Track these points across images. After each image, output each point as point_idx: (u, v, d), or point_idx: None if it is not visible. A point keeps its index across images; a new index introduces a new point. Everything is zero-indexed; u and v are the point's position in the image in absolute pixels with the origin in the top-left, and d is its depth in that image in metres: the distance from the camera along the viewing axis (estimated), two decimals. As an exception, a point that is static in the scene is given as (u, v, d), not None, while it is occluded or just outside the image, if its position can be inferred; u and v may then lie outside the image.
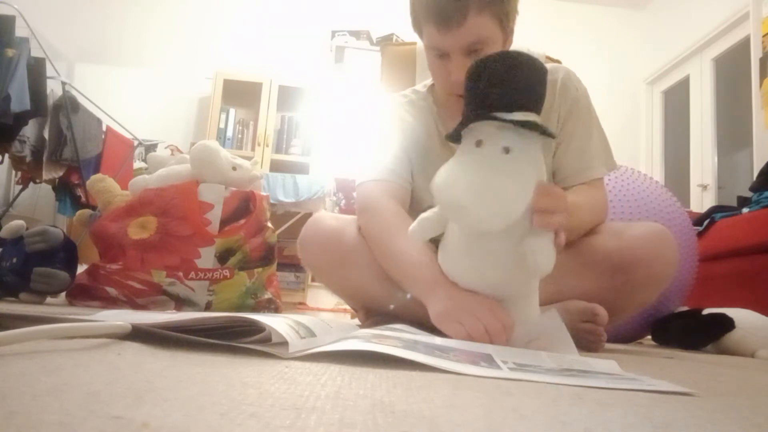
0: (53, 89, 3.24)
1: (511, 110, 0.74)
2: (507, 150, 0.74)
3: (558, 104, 1.17)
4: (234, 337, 0.53)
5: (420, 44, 1.71)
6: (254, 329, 0.54)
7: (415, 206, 1.18)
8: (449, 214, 0.77)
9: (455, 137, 0.80)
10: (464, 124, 0.77)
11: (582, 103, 1.19)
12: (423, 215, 0.86)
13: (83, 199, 3.27)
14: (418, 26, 1.07)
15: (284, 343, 0.52)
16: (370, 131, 1.24)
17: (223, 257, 1.55)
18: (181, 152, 3.52)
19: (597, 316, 1.00)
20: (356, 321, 1.36)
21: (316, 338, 0.59)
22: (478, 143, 0.75)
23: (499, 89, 0.75)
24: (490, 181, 0.72)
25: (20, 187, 3.42)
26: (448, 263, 0.86)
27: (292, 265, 3.60)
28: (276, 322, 0.54)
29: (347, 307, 1.49)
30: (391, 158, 1.16)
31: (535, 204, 0.75)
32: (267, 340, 0.53)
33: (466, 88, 0.80)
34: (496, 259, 0.80)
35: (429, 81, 1.25)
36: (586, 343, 1.00)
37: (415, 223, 0.86)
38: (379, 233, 1.05)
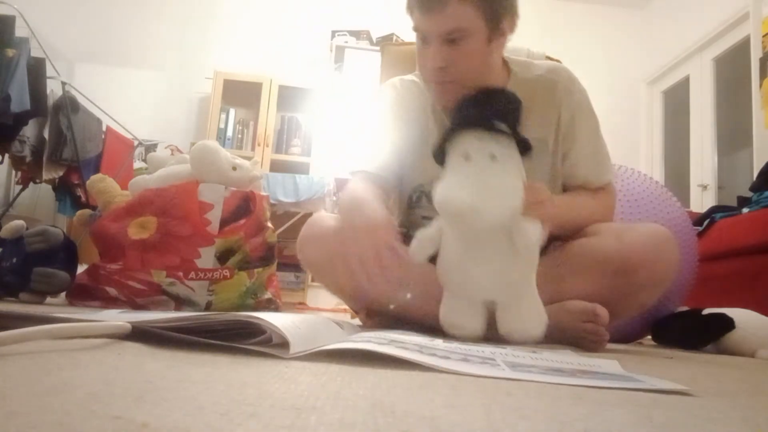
0: (53, 89, 3.24)
1: (489, 125, 0.87)
2: (493, 157, 0.85)
3: (558, 105, 1.19)
4: (234, 339, 0.53)
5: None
6: (255, 331, 0.54)
7: (405, 185, 1.26)
8: (457, 220, 0.86)
9: (438, 156, 0.91)
10: (448, 136, 0.89)
11: (586, 106, 1.23)
12: (421, 232, 0.93)
13: (83, 199, 3.27)
14: (409, 9, 1.10)
15: (284, 344, 0.52)
16: (370, 117, 1.32)
17: (223, 257, 1.55)
18: (181, 152, 3.52)
19: (598, 316, 1.00)
20: (357, 321, 1.36)
21: (318, 338, 0.59)
22: (467, 156, 0.86)
23: (479, 109, 0.88)
24: (490, 183, 0.83)
25: (20, 187, 3.42)
26: (446, 275, 0.92)
27: (292, 265, 3.59)
28: (277, 319, 0.53)
29: (347, 307, 1.49)
30: (378, 150, 1.24)
31: (524, 202, 0.86)
32: (267, 342, 0.53)
33: (452, 116, 0.95)
34: (491, 262, 0.87)
35: None
36: (588, 343, 1.00)
37: (414, 242, 0.93)
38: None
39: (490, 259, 0.87)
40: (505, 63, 1.22)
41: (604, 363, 0.63)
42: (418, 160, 1.21)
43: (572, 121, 1.20)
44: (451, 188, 0.85)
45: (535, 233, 0.85)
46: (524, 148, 0.90)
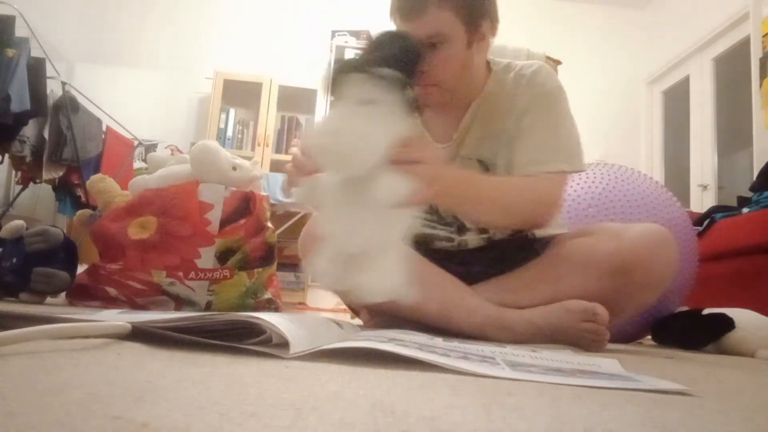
0: (53, 89, 3.24)
1: (370, 70, 0.82)
2: (368, 102, 0.81)
3: (521, 95, 1.17)
4: (234, 339, 0.53)
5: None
6: (255, 331, 0.54)
7: None
8: (317, 159, 0.84)
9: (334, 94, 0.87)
10: (336, 77, 0.85)
11: (549, 98, 1.17)
12: (308, 179, 0.90)
13: (83, 199, 3.27)
14: (392, 15, 1.11)
15: (284, 344, 0.52)
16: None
17: (223, 257, 1.55)
18: (181, 152, 3.52)
19: (598, 315, 1.00)
20: (357, 321, 1.36)
21: (318, 338, 0.59)
22: (345, 100, 0.83)
23: (370, 54, 0.85)
24: (350, 125, 0.80)
25: (20, 187, 3.42)
26: (319, 222, 0.88)
27: (292, 265, 3.59)
28: (277, 319, 0.54)
29: (346, 306, 1.49)
30: None
31: (393, 153, 0.81)
32: (267, 342, 0.53)
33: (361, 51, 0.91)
34: (354, 212, 0.83)
35: None
36: (588, 342, 1.00)
37: (299, 187, 0.91)
38: None
39: (353, 209, 0.83)
40: (488, 65, 1.22)
41: (604, 363, 0.63)
42: None
43: (528, 107, 1.16)
44: (318, 130, 0.84)
45: (394, 187, 0.81)
46: (412, 100, 0.85)
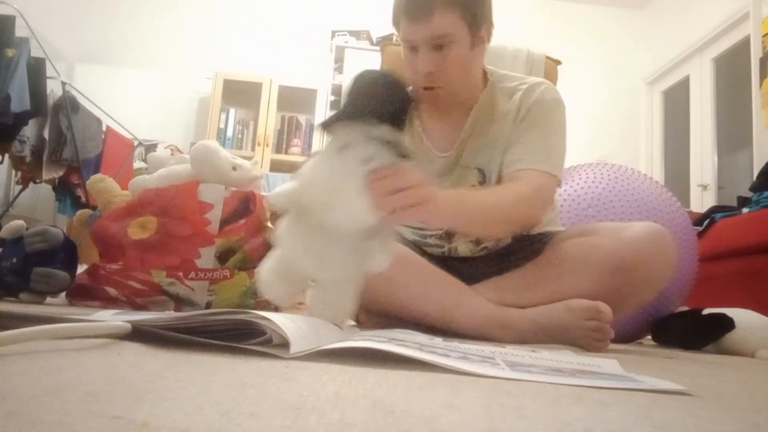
0: (53, 89, 3.24)
1: (374, 123, 0.78)
2: (369, 160, 0.78)
3: (517, 108, 1.18)
4: (234, 339, 0.53)
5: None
6: (255, 331, 0.54)
7: None
8: (310, 210, 0.82)
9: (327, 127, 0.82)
10: (334, 121, 0.81)
11: (546, 108, 1.18)
12: (283, 187, 0.87)
13: (83, 199, 3.27)
14: (396, 20, 1.13)
15: (284, 344, 0.52)
16: None
17: (223, 257, 1.55)
18: (181, 152, 3.52)
19: (601, 313, 1.00)
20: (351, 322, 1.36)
21: (318, 337, 0.59)
22: (341, 150, 0.79)
23: (374, 103, 0.79)
24: (351, 187, 0.77)
25: (20, 187, 3.42)
26: (280, 239, 0.87)
27: (292, 265, 3.59)
28: (277, 319, 0.54)
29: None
30: None
31: (371, 191, 0.78)
32: (268, 342, 0.53)
33: (347, 93, 0.83)
34: (338, 247, 0.83)
35: None
36: (591, 341, 1.00)
37: (275, 193, 0.89)
38: None
39: (325, 245, 0.83)
40: (484, 73, 1.24)
41: (604, 363, 0.63)
42: None
43: (526, 115, 1.17)
44: (315, 176, 0.80)
45: (381, 255, 0.84)
46: (403, 152, 0.82)
